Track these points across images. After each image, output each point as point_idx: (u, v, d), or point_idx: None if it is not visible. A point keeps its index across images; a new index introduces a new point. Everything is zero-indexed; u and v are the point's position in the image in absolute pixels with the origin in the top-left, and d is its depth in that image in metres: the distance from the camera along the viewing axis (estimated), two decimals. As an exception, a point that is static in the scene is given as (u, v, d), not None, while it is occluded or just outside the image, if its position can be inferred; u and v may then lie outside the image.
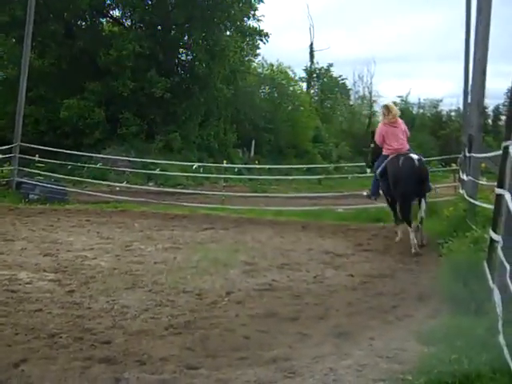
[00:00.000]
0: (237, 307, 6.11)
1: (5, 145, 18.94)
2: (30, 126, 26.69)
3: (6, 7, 28.38)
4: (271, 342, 5.00)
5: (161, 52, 30.66)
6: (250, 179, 26.74)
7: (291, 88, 42.87)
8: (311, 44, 49.67)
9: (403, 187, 9.73)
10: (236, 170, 24.01)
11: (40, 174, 18.53)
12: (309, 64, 50.44)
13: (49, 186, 17.17)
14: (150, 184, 23.89)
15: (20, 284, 6.74)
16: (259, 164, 27.42)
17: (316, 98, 50.79)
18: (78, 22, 32.91)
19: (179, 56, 34.44)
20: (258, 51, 39.14)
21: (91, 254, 8.75)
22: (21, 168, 18.68)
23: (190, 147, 31.14)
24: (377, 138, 10.53)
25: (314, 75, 51.69)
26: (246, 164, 29.95)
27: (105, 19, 34.71)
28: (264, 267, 8.24)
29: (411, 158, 9.78)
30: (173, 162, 23.35)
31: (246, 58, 38.27)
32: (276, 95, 41.25)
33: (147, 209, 15.39)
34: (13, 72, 28.36)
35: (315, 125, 42.86)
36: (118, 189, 20.45)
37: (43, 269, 7.60)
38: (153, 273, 7.60)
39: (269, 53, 42.32)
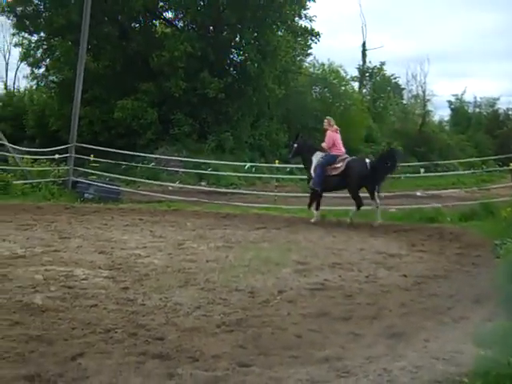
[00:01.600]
0: (288, 306, 6.09)
1: (61, 145, 19.41)
2: (84, 126, 27.28)
3: (62, 11, 29.05)
4: (323, 342, 4.97)
5: (212, 53, 30.87)
6: (302, 179, 26.64)
7: (343, 87, 42.53)
8: (363, 43, 49.38)
9: (367, 180, 12.68)
10: (288, 169, 23.90)
11: (94, 174, 18.88)
12: (361, 63, 50.11)
13: (103, 185, 17.48)
14: (202, 184, 24.09)
15: (76, 280, 6.86)
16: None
17: (368, 97, 50.32)
18: (132, 24, 33.47)
19: (231, 56, 34.61)
20: (309, 51, 39.10)
21: (145, 252, 8.85)
22: (76, 168, 19.09)
23: (241, 147, 31.28)
24: (329, 142, 13.12)
25: (367, 74, 51.30)
26: (297, 164, 29.84)
27: (158, 21, 35.18)
28: (316, 266, 8.20)
29: (368, 161, 13.21)
30: (225, 162, 23.49)
31: (298, 58, 38.24)
32: (328, 95, 41.01)
33: (199, 208, 15.51)
34: (69, 74, 29.01)
35: (367, 124, 42.45)
36: (170, 188, 20.70)
37: (98, 266, 7.72)
38: (205, 271, 7.64)
39: (320, 52, 42.34)
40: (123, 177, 20.14)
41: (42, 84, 37.17)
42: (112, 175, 19.43)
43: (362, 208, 13.12)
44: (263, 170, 25.55)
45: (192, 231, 11.48)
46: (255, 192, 19.62)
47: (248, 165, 22.60)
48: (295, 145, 13.90)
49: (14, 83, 52.84)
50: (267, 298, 6.38)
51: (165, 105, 30.18)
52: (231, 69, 34.54)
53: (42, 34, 34.30)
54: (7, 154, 18.72)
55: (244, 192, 20.18)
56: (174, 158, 23.98)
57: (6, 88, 47.98)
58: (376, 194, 12.90)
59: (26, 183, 17.57)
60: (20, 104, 39.22)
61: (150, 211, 14.72)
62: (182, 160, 23.70)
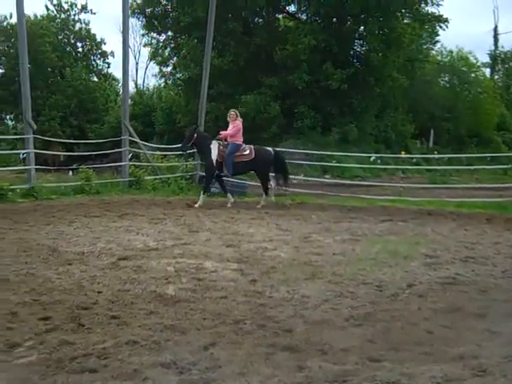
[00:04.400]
0: (419, 300, 5.93)
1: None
2: (210, 122, 27.96)
3: (188, 10, 29.92)
4: (457, 338, 4.79)
5: (336, 44, 30.66)
6: (429, 170, 25.93)
7: (473, 74, 40.86)
8: (495, 27, 47.24)
9: (272, 167, 14.91)
10: (414, 160, 23.36)
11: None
12: (492, 48, 47.89)
13: (229, 179, 17.79)
14: (327, 176, 24.00)
15: (206, 273, 7.03)
16: (438, 154, 26.48)
17: (500, 83, 47.99)
18: (255, 20, 33.91)
19: (354, 47, 34.20)
20: (436, 38, 37.85)
21: (271, 245, 8.93)
22: (203, 162, 19.58)
23: (366, 139, 30.89)
24: (236, 131, 14.56)
25: (499, 60, 48.92)
26: (424, 154, 29.07)
27: (281, 15, 35.41)
28: (446, 260, 7.94)
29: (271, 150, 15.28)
30: (349, 154, 23.26)
31: (425, 46, 37.14)
32: (456, 83, 39.56)
33: (324, 201, 15.48)
34: (195, 71, 29.88)
35: (500, 112, 40.54)
36: (295, 181, 20.74)
37: (227, 259, 7.87)
38: (332, 264, 7.61)
39: (448, 39, 40.86)
40: (248, 171, 20.39)
41: (170, 82, 38.58)
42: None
43: (499, 200, 12.65)
44: (388, 161, 25.10)
45: (317, 224, 11.47)
46: (381, 184, 19.26)
47: (373, 156, 22.25)
48: (195, 135, 14.98)
49: (144, 82, 55.21)
50: (396, 291, 6.25)
51: (288, 98, 30.34)
52: (354, 59, 34.14)
53: (169, 33, 35.59)
54: (139, 150, 19.56)
55: (369, 184, 19.87)
56: (298, 150, 24.00)
57: (136, 87, 50.22)
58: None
59: (156, 178, 18.29)
60: (149, 102, 40.95)
61: (275, 205, 14.85)
62: (306, 153, 23.70)
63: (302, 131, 29.45)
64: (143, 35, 40.16)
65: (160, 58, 37.29)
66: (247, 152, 14.57)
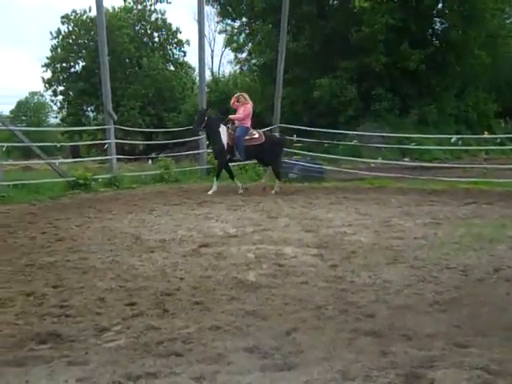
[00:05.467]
0: (507, 285, 5.73)
1: (264, 127, 20.03)
2: (286, 107, 27.89)
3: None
4: (547, 323, 4.62)
5: (413, 23, 29.88)
6: (513, 150, 24.99)
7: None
8: None
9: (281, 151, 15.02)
10: (498, 140, 22.59)
11: (298, 154, 19.25)
12: None
13: (306, 164, 17.76)
14: (406, 159, 23.54)
15: (286, 258, 7.04)
16: (524, 133, 25.49)
17: None
18: (330, 2, 33.50)
19: (432, 25, 33.26)
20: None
21: (350, 230, 8.86)
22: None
23: (446, 120, 30.07)
24: (246, 115, 14.29)
25: None
26: (509, 134, 28.03)
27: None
28: (538, 244, 7.65)
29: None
30: (429, 136, 22.72)
31: (508, 21, 35.75)
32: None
33: (404, 184, 15.19)
34: (270, 56, 29.86)
35: None
36: (372, 165, 20.49)
37: (306, 244, 7.86)
38: (413, 248, 7.47)
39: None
40: (325, 155, 20.28)
41: (245, 68, 38.72)
42: (315, 154, 19.62)
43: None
44: (470, 142, 24.36)
45: (397, 208, 11.27)
46: (463, 166, 18.72)
47: (454, 137, 21.62)
48: (206, 117, 14.40)
49: (219, 69, 55.65)
50: (482, 276, 6.08)
51: (365, 81, 29.90)
52: (433, 38, 33.20)
53: (244, 19, 35.67)
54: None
55: (450, 166, 19.36)
56: (375, 134, 23.69)
57: (212, 74, 50.67)
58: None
59: (233, 165, 18.40)
60: (225, 89, 41.23)
61: (353, 189, 14.72)
62: (384, 136, 23.33)
63: (379, 114, 28.97)
64: (218, 22, 40.52)
65: (235, 45, 37.48)
66: (256, 136, 14.34)
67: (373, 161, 20.70)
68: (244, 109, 14.42)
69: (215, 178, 14.46)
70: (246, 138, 14.17)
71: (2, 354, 4.11)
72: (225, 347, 4.17)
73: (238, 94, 15.24)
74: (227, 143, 14.18)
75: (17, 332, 4.57)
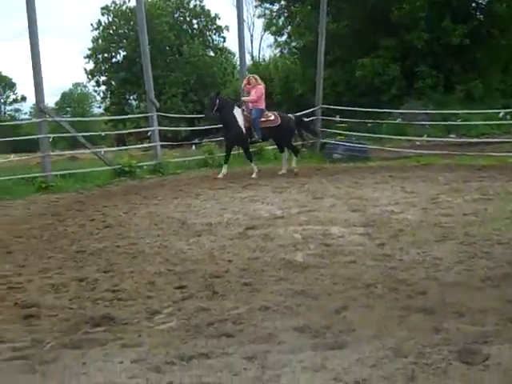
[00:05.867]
0: (560, 259, 5.61)
1: (307, 109, 19.95)
2: (328, 88, 27.62)
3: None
4: None
5: (455, -3, 29.17)
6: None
7: None
8: None
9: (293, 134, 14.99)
10: (548, 113, 21.90)
11: (341, 134, 19.11)
12: None
13: (350, 145, 17.63)
14: (451, 136, 23.07)
15: (333, 238, 7.02)
16: None
17: None
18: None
19: (475, -1, 32.42)
20: None
21: (397, 208, 8.76)
22: (323, 129, 19.51)
23: (492, 94, 29.30)
24: (259, 96, 14.15)
25: None
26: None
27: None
28: None
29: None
30: (475, 111, 22.20)
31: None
32: None
33: (450, 161, 14.95)
34: (310, 38, 29.58)
35: None
36: (418, 143, 20.19)
37: (353, 223, 7.82)
38: (463, 224, 7.35)
39: None
40: (369, 135, 20.04)
41: (285, 51, 38.51)
42: (358, 134, 19.41)
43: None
44: (519, 116, 23.73)
45: (445, 185, 11.10)
46: (511, 140, 18.29)
47: (502, 112, 21.11)
48: (217, 100, 14.09)
49: (259, 53, 55.52)
50: (535, 251, 5.95)
51: (407, 58, 29.35)
52: (476, 12, 32.36)
53: (282, 2, 35.40)
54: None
55: (499, 141, 18.92)
56: (420, 111, 23.28)
57: (252, 59, 50.55)
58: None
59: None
60: (266, 73, 41.08)
61: (399, 167, 14.55)
62: (429, 113, 22.92)
63: (424, 91, 28.44)
64: (256, 6, 40.31)
65: (274, 28, 37.22)
66: (272, 118, 14.19)
67: (418, 138, 20.35)
68: (256, 90, 14.26)
69: (252, 163, 14.33)
70: (262, 119, 14.07)
71: (59, 337, 4.20)
72: (275, 327, 4.18)
73: (250, 75, 15.11)
74: (244, 125, 14.00)
75: (71, 316, 4.67)
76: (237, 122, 13.92)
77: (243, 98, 14.77)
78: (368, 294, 4.84)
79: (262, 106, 14.26)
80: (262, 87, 14.38)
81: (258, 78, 14.64)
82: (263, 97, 14.33)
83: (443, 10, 28.51)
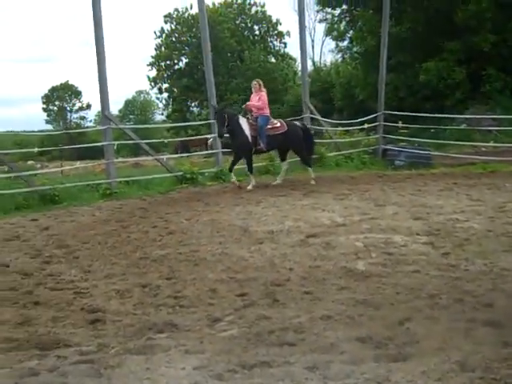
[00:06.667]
0: None
1: (368, 115, 19.77)
2: (390, 93, 27.27)
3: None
4: None
5: (523, -2, 28.36)
6: None
7: None
8: None
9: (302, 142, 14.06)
10: None
11: (404, 140, 18.84)
12: None
13: (413, 151, 17.35)
14: (521, 142, 22.41)
15: (395, 247, 6.92)
16: None
17: None
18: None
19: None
20: None
21: (463, 217, 8.56)
22: (385, 135, 19.28)
23: None
24: (264, 103, 13.74)
25: None
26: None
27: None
28: None
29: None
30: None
31: None
32: None
33: (519, 168, 14.53)
34: (371, 42, 29.32)
35: None
36: (483, 149, 19.70)
37: (416, 232, 7.68)
38: (533, 234, 7.14)
39: None
40: (432, 141, 19.67)
41: (347, 56, 38.28)
42: (421, 140, 19.08)
43: None
44: None
45: (512, 192, 10.81)
46: None
47: None
48: (226, 115, 13.63)
49: (320, 58, 55.40)
50: None
51: (473, 61, 28.70)
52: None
53: (344, 7, 35.22)
54: (320, 127, 19.67)
55: None
56: (486, 116, 22.70)
57: (313, 64, 50.51)
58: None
59: (338, 154, 18.29)
60: (327, 78, 41.01)
61: (464, 174, 14.23)
62: (496, 118, 22.32)
63: (490, 95, 27.73)
64: (318, 11, 40.27)
65: (336, 33, 37.08)
66: (278, 125, 13.81)
67: (484, 144, 19.85)
68: (260, 97, 13.84)
69: (251, 175, 13.91)
70: (268, 127, 13.71)
71: (123, 342, 4.29)
72: (337, 337, 4.15)
73: (254, 81, 14.53)
74: (250, 134, 13.55)
75: (135, 322, 4.76)
76: (243, 130, 13.54)
77: (248, 104, 14.16)
78: (432, 305, 4.75)
79: (268, 112, 13.95)
80: (264, 94, 13.99)
81: (261, 84, 14.18)
82: (267, 104, 14.01)
83: (510, 11, 27.77)
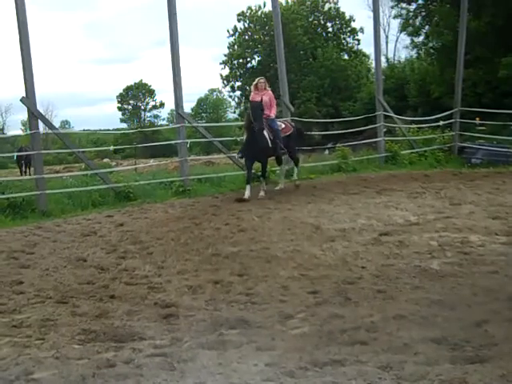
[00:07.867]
0: None
1: (443, 111, 19.31)
2: (467, 89, 26.55)
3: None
4: None
5: None
6: None
7: None
8: None
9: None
10: None
11: (481, 138, 18.30)
12: None
13: (491, 149, 16.85)
14: None
15: (472, 246, 6.75)
16: None
17: None
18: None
19: None
20: None
21: (545, 217, 8.28)
22: (461, 133, 18.79)
23: None
24: (274, 104, 12.98)
25: None
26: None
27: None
28: None
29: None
30: None
31: None
32: None
33: None
34: (449, 38, 28.61)
35: None
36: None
37: (494, 232, 7.47)
38: None
39: None
40: (512, 138, 19.02)
41: (422, 52, 37.52)
42: (500, 137, 18.47)
43: None
44: None
45: None
46: None
47: None
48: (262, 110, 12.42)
49: (394, 55, 54.51)
50: None
51: (555, 56, 27.62)
52: None
53: (419, 1, 34.53)
54: (393, 125, 19.36)
55: None
56: None
57: (387, 61, 49.71)
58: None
59: (412, 152, 17.95)
60: (401, 75, 40.28)
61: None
62: None
63: None
64: (392, 7, 39.51)
65: (411, 29, 36.33)
66: (283, 126, 13.18)
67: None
68: (269, 97, 12.91)
69: (263, 181, 13.06)
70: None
71: (196, 337, 4.35)
72: (411, 337, 4.07)
73: (259, 78, 13.36)
74: (269, 137, 12.55)
75: (208, 317, 4.81)
76: (263, 134, 12.45)
77: (269, 114, 12.78)
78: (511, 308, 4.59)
79: (273, 115, 12.97)
80: (271, 93, 13.13)
81: (267, 83, 13.25)
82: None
83: None
